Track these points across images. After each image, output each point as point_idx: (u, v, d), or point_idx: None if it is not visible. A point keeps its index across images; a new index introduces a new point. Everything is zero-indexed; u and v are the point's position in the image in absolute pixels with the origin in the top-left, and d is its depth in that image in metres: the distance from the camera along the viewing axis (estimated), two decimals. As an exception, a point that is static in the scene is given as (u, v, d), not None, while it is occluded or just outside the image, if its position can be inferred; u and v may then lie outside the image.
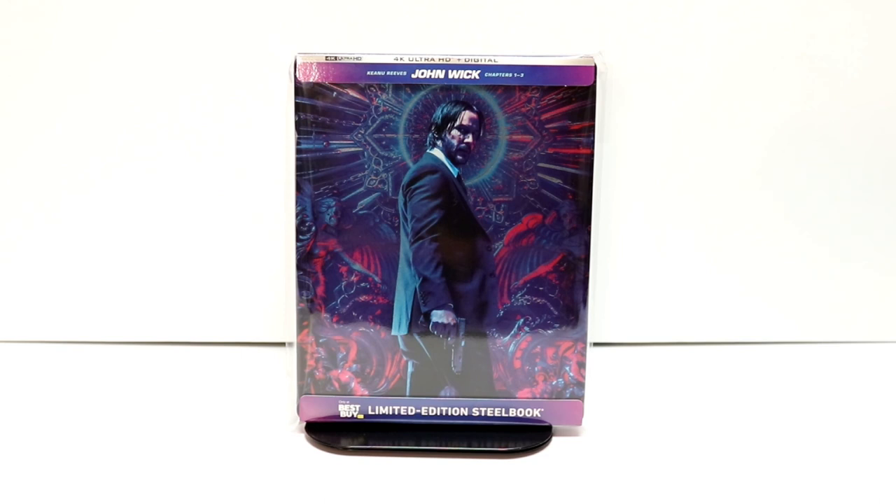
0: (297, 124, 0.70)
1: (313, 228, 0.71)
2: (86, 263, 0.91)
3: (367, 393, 0.73)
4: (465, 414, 0.73)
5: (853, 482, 0.68)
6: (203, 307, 0.91)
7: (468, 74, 0.69)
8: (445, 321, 0.72)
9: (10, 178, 0.89)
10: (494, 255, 0.72)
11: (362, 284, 0.72)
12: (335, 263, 0.72)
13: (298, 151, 0.70)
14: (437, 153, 0.71)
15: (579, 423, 0.74)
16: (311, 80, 0.69)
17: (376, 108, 0.70)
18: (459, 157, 0.71)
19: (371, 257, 0.72)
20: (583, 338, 0.73)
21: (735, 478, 0.69)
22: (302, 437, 0.73)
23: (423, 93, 0.70)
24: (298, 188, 0.70)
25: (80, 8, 0.85)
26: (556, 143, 0.70)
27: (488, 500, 0.66)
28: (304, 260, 0.72)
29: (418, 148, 0.71)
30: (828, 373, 0.88)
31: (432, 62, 0.69)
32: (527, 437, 0.73)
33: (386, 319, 0.72)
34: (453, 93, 0.70)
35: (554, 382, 0.73)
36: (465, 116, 0.70)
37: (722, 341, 0.93)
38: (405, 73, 0.69)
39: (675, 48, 0.87)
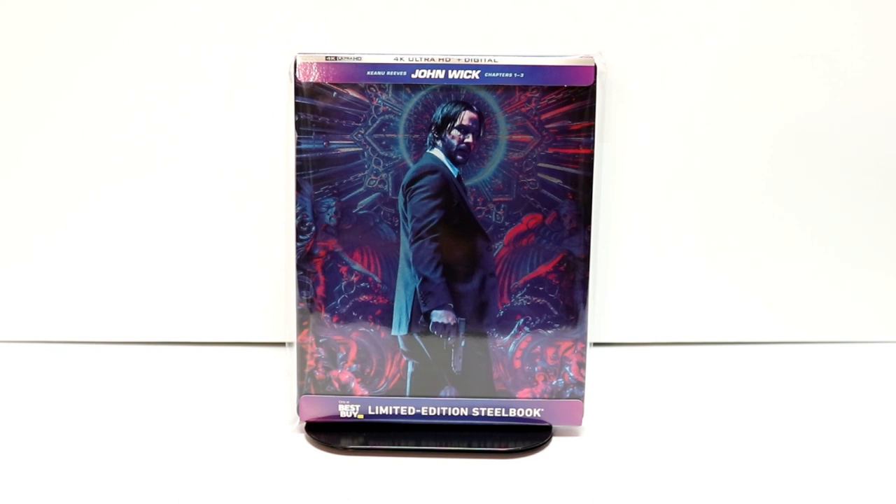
0: (297, 124, 0.70)
1: (313, 228, 0.71)
2: (86, 263, 0.91)
3: (367, 393, 0.73)
4: (465, 414, 0.73)
5: (853, 482, 0.68)
6: (203, 307, 0.91)
7: (468, 74, 0.69)
8: (445, 321, 0.72)
9: (10, 177, 0.89)
10: (494, 255, 0.72)
11: (362, 284, 0.72)
12: (335, 263, 0.72)
13: (298, 151, 0.70)
14: (437, 153, 0.71)
15: (579, 423, 0.74)
16: (311, 80, 0.69)
17: (376, 108, 0.70)
18: (459, 157, 0.71)
19: (371, 257, 0.72)
20: (583, 338, 0.73)
21: (735, 478, 0.69)
22: (302, 437, 0.73)
23: (423, 93, 0.70)
24: (298, 188, 0.70)
25: (79, 8, 0.85)
26: (556, 143, 0.70)
27: (488, 500, 0.66)
28: (304, 260, 0.72)
29: (418, 148, 0.71)
30: (828, 373, 0.88)
31: (432, 62, 0.69)
32: (527, 437, 0.73)
33: (386, 319, 0.72)
34: (453, 93, 0.70)
35: (554, 382, 0.73)
36: (465, 116, 0.70)
37: (722, 341, 0.93)
38: (405, 73, 0.69)
39: (675, 48, 0.87)
